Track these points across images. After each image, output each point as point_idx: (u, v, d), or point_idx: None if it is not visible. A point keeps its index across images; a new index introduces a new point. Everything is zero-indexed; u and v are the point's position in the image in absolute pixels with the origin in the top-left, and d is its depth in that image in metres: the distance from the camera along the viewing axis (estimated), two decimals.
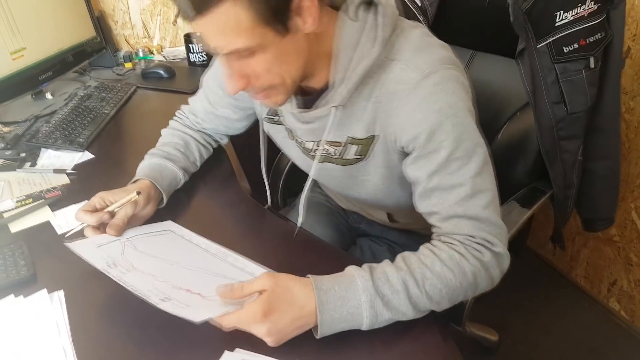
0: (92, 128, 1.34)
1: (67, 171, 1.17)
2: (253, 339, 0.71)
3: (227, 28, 0.68)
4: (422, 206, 0.82)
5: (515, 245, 0.95)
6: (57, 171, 1.16)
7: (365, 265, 0.75)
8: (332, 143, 0.88)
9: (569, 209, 1.32)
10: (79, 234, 0.90)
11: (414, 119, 0.77)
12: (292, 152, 1.01)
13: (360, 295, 0.71)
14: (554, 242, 1.46)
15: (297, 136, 0.94)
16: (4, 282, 0.83)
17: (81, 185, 1.12)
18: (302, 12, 0.70)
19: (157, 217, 0.99)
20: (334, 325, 0.71)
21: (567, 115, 1.16)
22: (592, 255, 1.84)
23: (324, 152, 0.90)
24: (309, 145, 0.93)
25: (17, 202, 1.04)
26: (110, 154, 1.27)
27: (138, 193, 0.92)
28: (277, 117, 0.95)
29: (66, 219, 1.00)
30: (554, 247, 2.00)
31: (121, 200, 0.91)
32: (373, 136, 0.84)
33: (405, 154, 0.83)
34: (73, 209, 1.03)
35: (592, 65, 1.13)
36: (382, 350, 0.74)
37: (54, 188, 1.10)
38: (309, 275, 0.74)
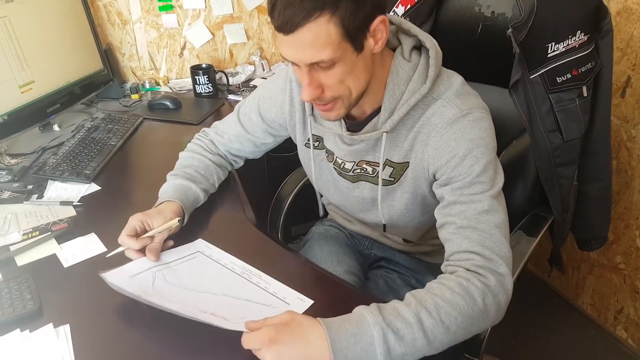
0: (99, 160, 1.36)
1: (74, 203, 1.18)
2: None
3: (319, 40, 0.78)
4: (441, 215, 0.89)
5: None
6: (64, 203, 1.18)
7: (373, 304, 0.76)
8: (370, 163, 1.00)
9: (566, 230, 1.35)
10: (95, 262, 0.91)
11: (448, 146, 0.88)
12: (326, 175, 1.10)
13: (372, 331, 0.71)
14: (552, 264, 1.48)
15: (337, 157, 1.04)
16: (10, 317, 0.84)
17: (88, 217, 1.14)
18: (376, 36, 0.83)
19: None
20: None
21: (563, 142, 1.19)
22: (598, 282, 1.83)
23: (362, 170, 1.02)
24: (349, 165, 1.03)
25: (23, 235, 1.06)
26: (117, 185, 1.29)
27: (179, 221, 1.00)
28: (317, 143, 1.08)
29: (72, 252, 1.02)
30: (551, 269, 2.00)
31: (162, 226, 0.97)
32: (408, 163, 0.95)
33: (434, 181, 0.93)
34: (80, 241, 1.05)
35: (585, 94, 1.17)
36: None
37: (60, 220, 1.11)
38: (317, 318, 0.74)
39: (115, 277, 0.86)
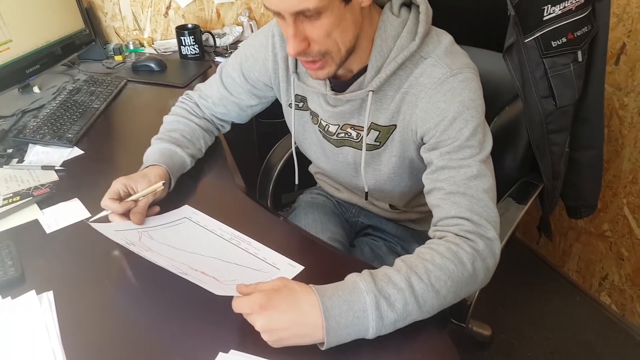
0: (82, 123, 1.32)
1: (56, 168, 1.15)
2: (247, 341, 0.71)
3: None
4: (429, 180, 0.88)
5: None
6: (46, 168, 1.15)
7: (365, 271, 0.76)
8: (355, 127, 0.97)
9: (555, 198, 1.35)
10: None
11: (437, 108, 0.86)
12: (311, 137, 1.07)
13: (365, 297, 0.71)
14: (541, 231, 1.48)
15: (322, 119, 1.01)
16: None
17: (70, 182, 1.11)
18: None
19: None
20: (340, 331, 0.70)
21: (556, 109, 1.17)
22: (584, 250, 1.85)
23: (346, 135, 0.98)
24: (333, 129, 1.00)
25: (3, 200, 1.03)
26: (100, 149, 1.26)
27: (164, 184, 0.97)
28: (302, 104, 1.04)
29: (55, 217, 0.99)
30: (540, 236, 2.02)
31: (146, 190, 0.94)
32: (395, 125, 0.92)
33: (422, 144, 0.90)
34: (62, 207, 1.02)
35: (579, 59, 1.14)
36: (374, 345, 0.73)
37: (42, 185, 1.08)
38: (310, 285, 0.73)
39: (102, 228, 0.85)
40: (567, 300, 1.88)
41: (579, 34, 1.11)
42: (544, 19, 1.09)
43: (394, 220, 1.22)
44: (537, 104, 1.16)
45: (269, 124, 1.70)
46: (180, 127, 1.12)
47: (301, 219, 1.20)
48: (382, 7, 0.90)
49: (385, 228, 1.22)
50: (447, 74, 0.85)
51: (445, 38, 0.90)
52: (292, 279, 0.81)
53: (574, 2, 1.08)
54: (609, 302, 1.80)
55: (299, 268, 0.87)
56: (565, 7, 1.08)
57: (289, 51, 0.82)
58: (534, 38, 1.10)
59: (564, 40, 1.11)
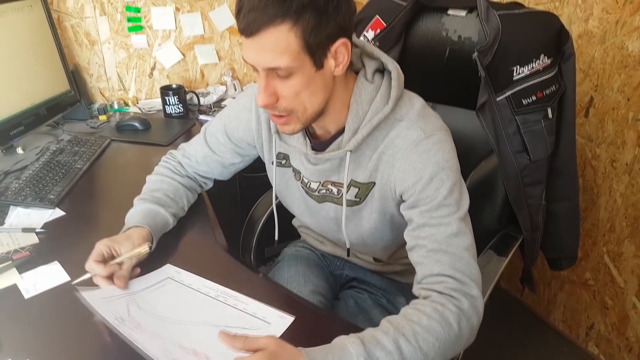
0: (64, 184, 1.32)
1: (37, 230, 1.14)
2: None
3: (279, 46, 0.79)
4: (411, 237, 0.90)
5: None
6: (26, 230, 1.14)
7: (352, 335, 0.77)
8: (335, 183, 1.00)
9: (535, 250, 1.37)
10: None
11: (414, 168, 0.89)
12: (295, 193, 1.10)
13: None
14: (524, 283, 1.50)
15: (304, 176, 1.04)
16: None
17: (51, 244, 1.10)
18: (337, 57, 0.84)
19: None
20: None
21: (530, 163, 1.21)
22: (568, 299, 1.85)
23: (327, 191, 1.01)
24: (314, 185, 1.03)
25: None
26: (82, 210, 1.25)
27: (150, 247, 0.98)
28: (284, 161, 1.07)
29: (34, 282, 0.98)
30: (523, 289, 2.02)
31: (131, 252, 0.94)
32: (373, 183, 0.95)
33: (401, 201, 0.93)
34: (41, 270, 1.01)
35: (550, 116, 1.19)
36: None
37: (22, 248, 1.07)
38: (299, 348, 0.74)
39: (89, 296, 0.84)
40: (554, 350, 1.86)
41: (547, 92, 1.17)
42: (514, 79, 1.14)
43: (378, 273, 1.22)
44: (512, 158, 1.20)
45: (251, 177, 1.72)
46: (163, 186, 1.13)
47: (284, 272, 1.20)
48: (357, 72, 0.94)
49: (370, 280, 1.23)
50: (422, 137, 0.89)
51: (417, 101, 0.94)
52: (284, 331, 0.82)
53: (541, 63, 1.14)
54: (597, 352, 1.79)
55: (290, 319, 0.87)
56: (533, 67, 1.14)
57: (257, 102, 0.86)
58: (505, 96, 1.16)
59: (534, 98, 1.16)
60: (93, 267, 0.91)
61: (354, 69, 0.95)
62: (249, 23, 0.78)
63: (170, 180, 1.15)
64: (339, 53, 0.84)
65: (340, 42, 0.83)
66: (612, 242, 1.63)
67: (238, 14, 0.81)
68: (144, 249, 0.95)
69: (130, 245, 0.95)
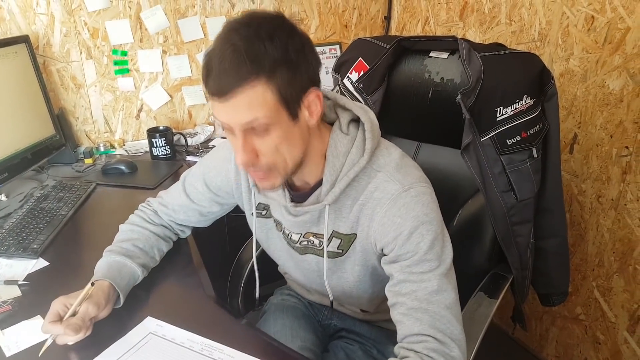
0: (48, 232, 1.30)
1: (19, 282, 1.12)
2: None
3: (255, 102, 0.79)
4: (392, 294, 0.89)
5: None
6: (8, 282, 1.11)
7: None
8: (317, 235, 0.99)
9: (526, 288, 1.36)
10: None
11: (393, 223, 0.88)
12: (277, 244, 1.09)
13: None
14: (515, 321, 1.48)
15: (285, 228, 1.03)
16: None
17: (34, 297, 1.07)
18: (310, 108, 0.85)
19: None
20: None
21: (517, 202, 1.21)
22: (560, 334, 1.84)
23: (309, 243, 1.00)
24: (296, 237, 1.02)
25: None
26: (66, 259, 1.23)
27: (92, 284, 0.95)
28: (265, 212, 1.06)
29: (16, 338, 0.95)
30: (515, 326, 2.00)
31: (78, 299, 0.92)
32: (355, 234, 0.95)
33: (382, 255, 0.92)
34: (24, 325, 0.98)
35: (535, 155, 1.20)
36: None
37: (3, 302, 1.04)
38: None
39: None
40: None
41: (532, 132, 1.18)
42: (497, 119, 1.15)
43: (367, 322, 1.20)
44: (499, 198, 1.20)
45: (239, 217, 1.70)
46: (133, 236, 1.11)
47: (270, 325, 1.18)
48: (331, 124, 0.95)
49: (360, 330, 1.20)
50: (400, 190, 0.88)
51: (394, 151, 0.94)
52: None
53: (524, 104, 1.15)
54: None
55: None
56: (516, 108, 1.15)
57: (237, 162, 0.85)
58: (489, 137, 1.16)
59: (519, 138, 1.17)
60: (49, 329, 0.89)
61: (327, 120, 0.95)
62: (222, 85, 0.78)
63: (141, 229, 1.13)
64: (312, 103, 0.85)
65: (311, 92, 0.84)
66: (601, 277, 1.63)
67: (207, 78, 0.80)
68: (88, 288, 0.93)
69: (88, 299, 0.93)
